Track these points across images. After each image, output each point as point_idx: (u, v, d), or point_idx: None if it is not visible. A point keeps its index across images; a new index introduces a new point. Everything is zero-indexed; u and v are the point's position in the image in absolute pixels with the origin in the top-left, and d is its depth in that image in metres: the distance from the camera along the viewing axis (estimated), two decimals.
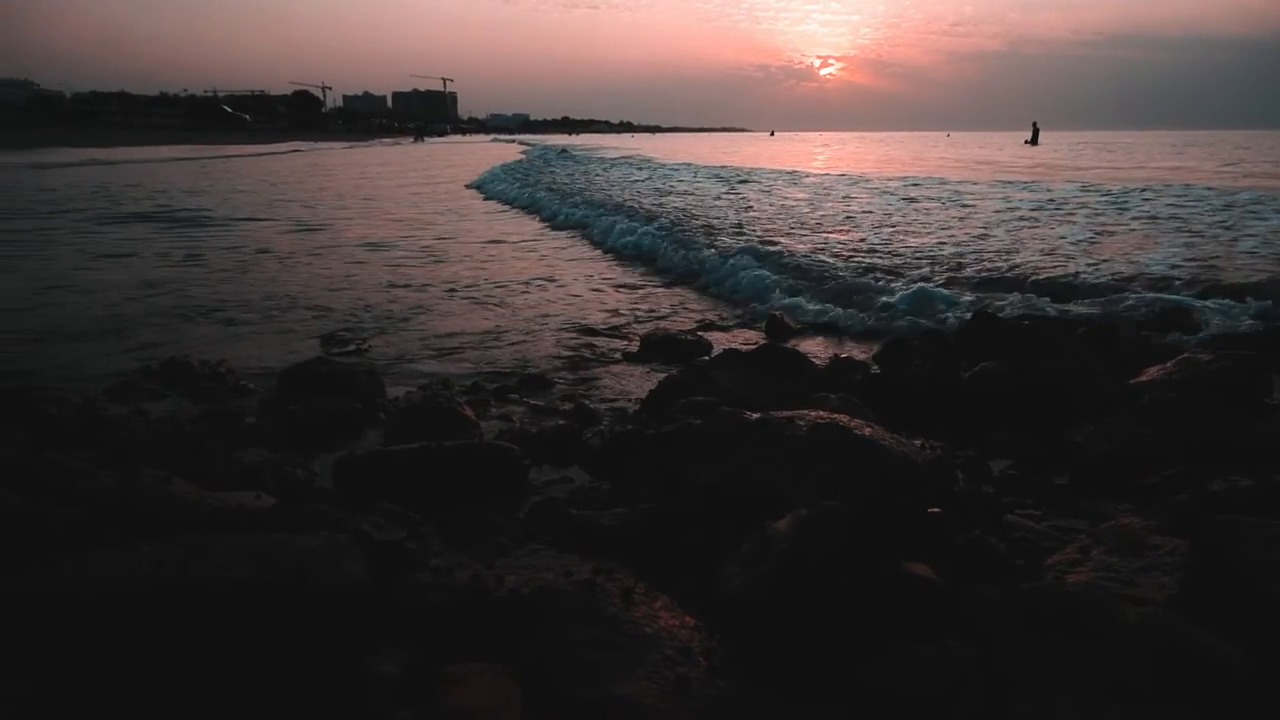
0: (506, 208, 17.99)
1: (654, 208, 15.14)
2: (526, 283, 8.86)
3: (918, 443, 2.67)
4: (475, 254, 11.09)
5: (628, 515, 2.41)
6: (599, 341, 6.27)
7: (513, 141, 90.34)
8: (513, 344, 6.20)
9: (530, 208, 17.03)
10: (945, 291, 7.18)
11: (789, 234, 11.97)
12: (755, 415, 2.50)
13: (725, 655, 1.58)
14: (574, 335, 6.47)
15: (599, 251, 11.26)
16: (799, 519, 1.73)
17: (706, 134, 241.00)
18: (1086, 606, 1.42)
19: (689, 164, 34.08)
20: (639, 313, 7.35)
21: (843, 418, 2.35)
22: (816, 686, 1.46)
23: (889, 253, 10.02)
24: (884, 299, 6.90)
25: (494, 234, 13.24)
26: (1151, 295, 6.85)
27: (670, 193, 19.93)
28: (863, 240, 11.22)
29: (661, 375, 5.08)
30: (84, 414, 4.01)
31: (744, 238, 11.18)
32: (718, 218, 13.81)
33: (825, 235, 11.92)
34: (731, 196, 19.07)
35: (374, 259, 10.60)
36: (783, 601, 1.60)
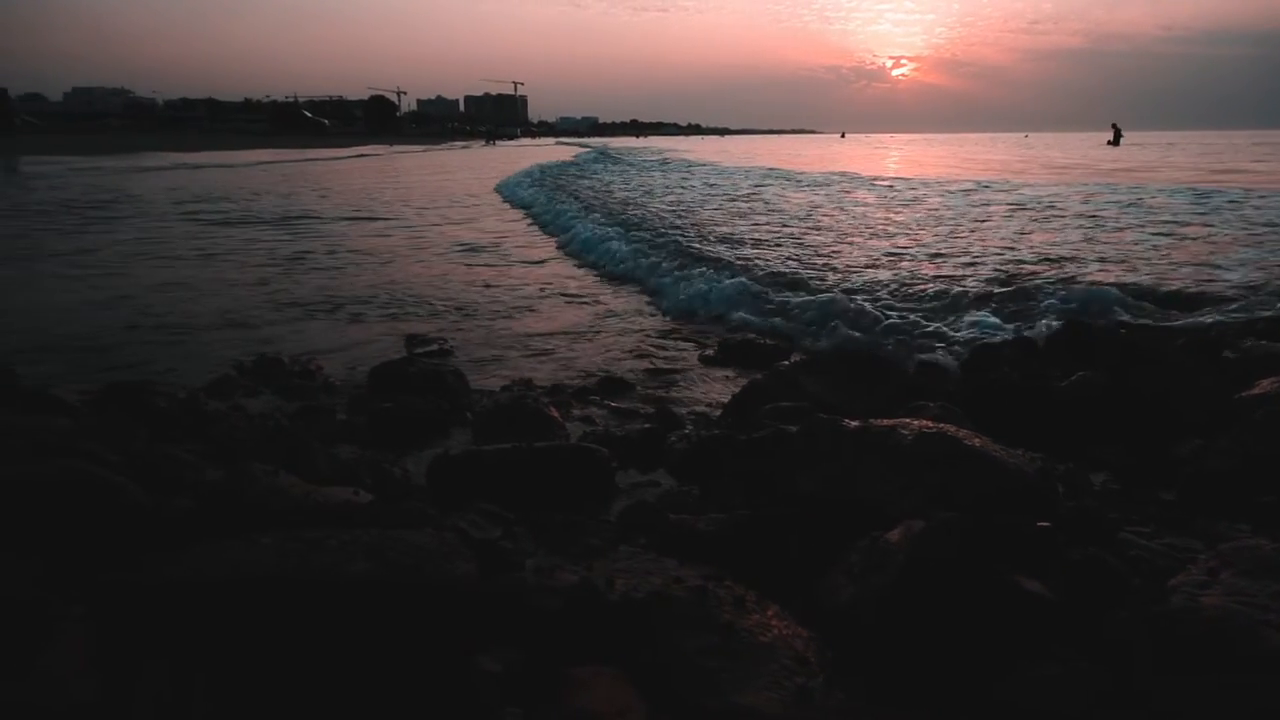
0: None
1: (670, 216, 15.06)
2: (593, 288, 8.93)
3: (1020, 453, 2.60)
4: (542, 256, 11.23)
5: (724, 521, 2.40)
6: (672, 344, 6.27)
7: (575, 144, 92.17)
8: (589, 344, 6.25)
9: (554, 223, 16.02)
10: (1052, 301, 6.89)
11: (847, 244, 11.80)
12: (855, 423, 2.47)
13: (839, 666, 1.56)
14: (649, 338, 6.49)
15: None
16: (914, 531, 1.69)
17: (775, 136, 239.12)
18: (1229, 633, 1.36)
19: (771, 169, 33.72)
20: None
21: (949, 428, 2.30)
22: (938, 701, 1.43)
23: (968, 262, 9.77)
24: (972, 313, 6.68)
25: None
26: (1258, 302, 6.53)
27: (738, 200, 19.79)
28: (950, 248, 10.96)
29: (738, 379, 5.07)
30: (189, 408, 4.18)
31: (758, 249, 11.06)
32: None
33: (891, 243, 11.71)
34: (762, 199, 18.88)
35: (455, 260, 10.81)
36: (898, 615, 1.57)
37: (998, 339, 5.48)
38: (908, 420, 2.39)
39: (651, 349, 6.09)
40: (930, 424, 2.33)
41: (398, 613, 1.73)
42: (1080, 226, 12.77)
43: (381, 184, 27.09)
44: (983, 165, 35.91)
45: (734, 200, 18.75)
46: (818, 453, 2.46)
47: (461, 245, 12.28)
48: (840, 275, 8.57)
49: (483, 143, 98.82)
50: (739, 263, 9.03)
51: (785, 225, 13.58)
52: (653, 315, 7.48)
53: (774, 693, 1.38)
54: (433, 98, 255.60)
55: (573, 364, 5.72)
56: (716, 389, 4.99)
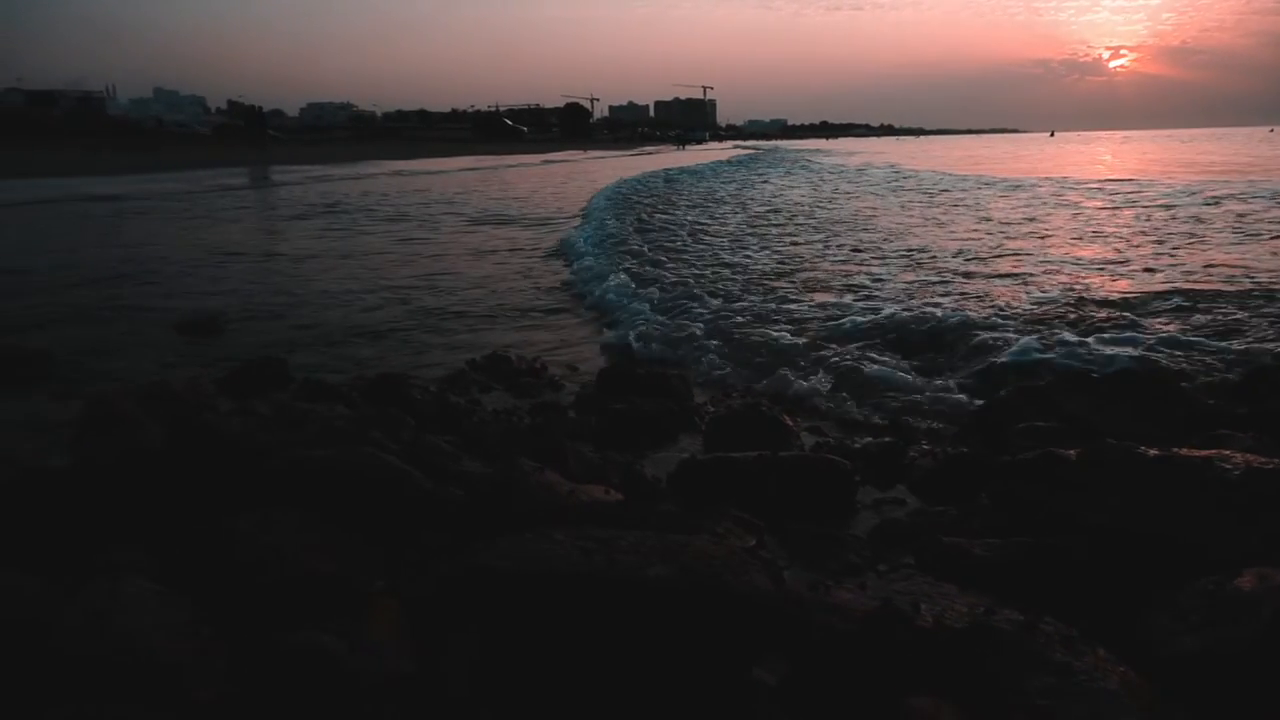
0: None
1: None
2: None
3: None
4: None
5: (1003, 548, 2.27)
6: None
7: (749, 148, 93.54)
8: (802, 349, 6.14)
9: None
10: None
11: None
12: (1153, 451, 2.26)
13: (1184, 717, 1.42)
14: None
15: None
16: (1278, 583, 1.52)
17: (973, 136, 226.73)
18: None
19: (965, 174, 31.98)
20: None
21: None
22: None
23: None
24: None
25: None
26: None
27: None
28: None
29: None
30: (438, 401, 4.47)
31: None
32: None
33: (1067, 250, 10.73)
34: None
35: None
36: (1263, 671, 1.41)
37: None
38: (1227, 452, 2.16)
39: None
40: (1259, 458, 2.09)
41: (693, 618, 1.74)
42: None
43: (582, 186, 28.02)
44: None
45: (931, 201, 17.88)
46: (1109, 481, 2.27)
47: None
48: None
49: (675, 148, 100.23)
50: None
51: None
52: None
53: None
54: (624, 104, 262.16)
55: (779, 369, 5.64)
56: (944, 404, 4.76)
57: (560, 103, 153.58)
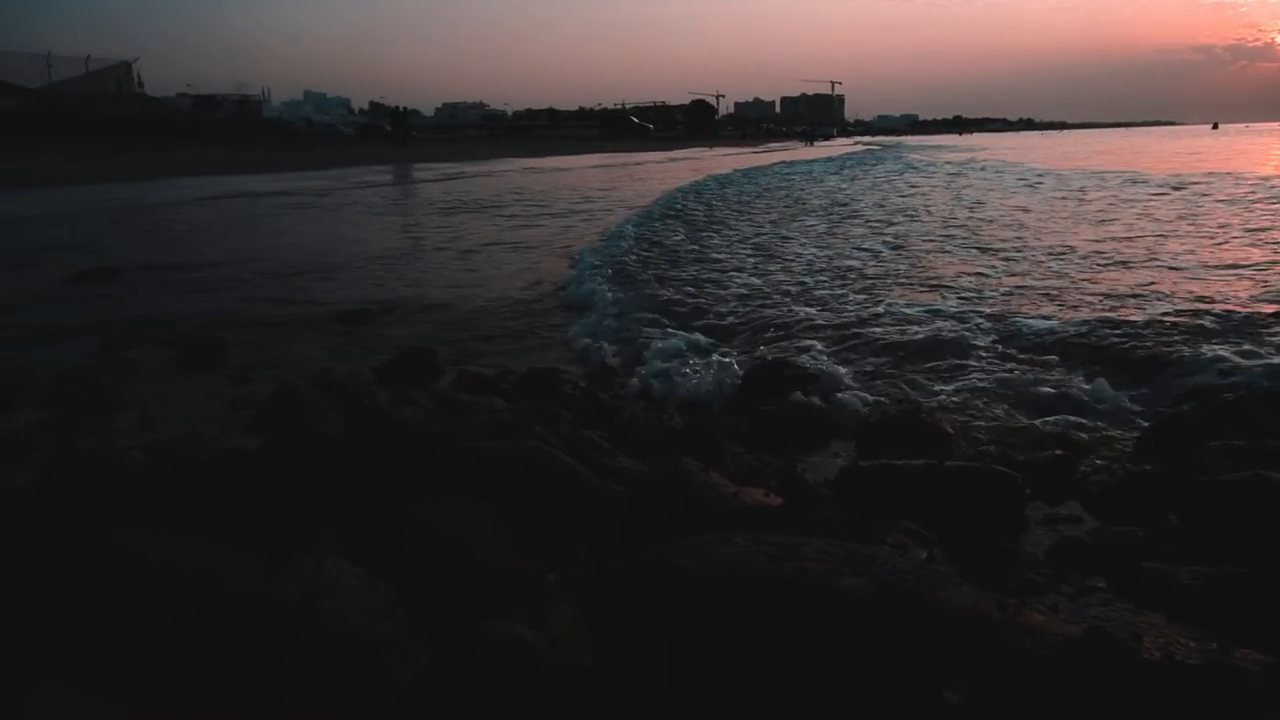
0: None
1: None
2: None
3: None
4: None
5: (1216, 577, 2.10)
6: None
7: (870, 144, 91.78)
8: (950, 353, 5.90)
9: None
10: None
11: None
12: None
13: None
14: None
15: None
16: None
17: (1123, 130, 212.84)
18: None
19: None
20: None
21: None
22: None
23: None
24: None
25: None
26: None
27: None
28: None
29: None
30: (588, 396, 4.54)
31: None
32: None
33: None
34: None
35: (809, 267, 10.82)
36: None
37: None
38: None
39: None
40: None
41: (889, 634, 1.69)
42: None
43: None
44: None
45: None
46: None
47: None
48: None
49: (804, 144, 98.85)
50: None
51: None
52: None
53: None
54: (749, 100, 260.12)
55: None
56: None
57: (685, 100, 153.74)
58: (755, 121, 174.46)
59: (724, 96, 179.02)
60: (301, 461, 2.82)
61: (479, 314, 7.57)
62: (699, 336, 6.20)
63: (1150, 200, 17.09)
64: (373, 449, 2.85)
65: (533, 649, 1.67)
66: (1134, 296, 7.30)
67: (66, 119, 43.17)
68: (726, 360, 5.33)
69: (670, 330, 6.50)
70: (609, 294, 7.98)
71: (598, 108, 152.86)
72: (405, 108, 63.66)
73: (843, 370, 5.16)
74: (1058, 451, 3.58)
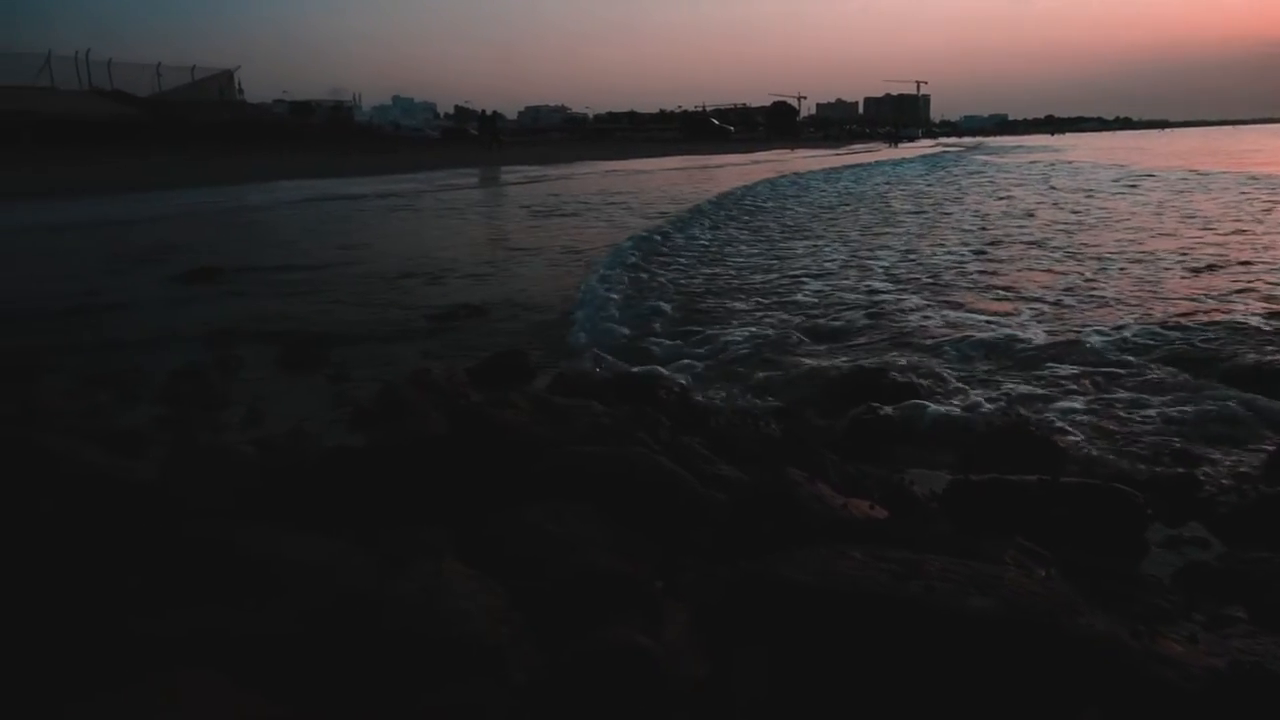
0: None
1: None
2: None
3: None
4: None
5: None
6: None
7: (954, 145, 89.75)
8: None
9: None
10: None
11: None
12: None
13: None
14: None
15: None
16: None
17: (1233, 128, 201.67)
18: None
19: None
20: None
21: None
22: None
23: None
24: None
25: None
26: None
27: None
28: None
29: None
30: (681, 401, 4.52)
31: None
32: None
33: None
34: None
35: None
36: None
37: None
38: None
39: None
40: None
41: (1022, 659, 1.62)
42: None
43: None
44: None
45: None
46: None
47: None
48: None
49: (888, 145, 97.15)
50: None
51: None
52: None
53: None
54: (831, 101, 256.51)
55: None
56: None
57: (767, 101, 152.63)
58: (837, 123, 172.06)
59: (805, 98, 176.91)
60: (409, 461, 2.88)
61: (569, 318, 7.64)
62: (800, 335, 6.16)
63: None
64: (478, 451, 2.89)
65: (652, 656, 1.66)
66: (1263, 303, 6.92)
67: (173, 125, 45.46)
68: (825, 365, 5.26)
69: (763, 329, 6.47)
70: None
71: (678, 110, 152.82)
72: (494, 112, 64.82)
73: (947, 378, 5.02)
74: (1179, 470, 3.40)
